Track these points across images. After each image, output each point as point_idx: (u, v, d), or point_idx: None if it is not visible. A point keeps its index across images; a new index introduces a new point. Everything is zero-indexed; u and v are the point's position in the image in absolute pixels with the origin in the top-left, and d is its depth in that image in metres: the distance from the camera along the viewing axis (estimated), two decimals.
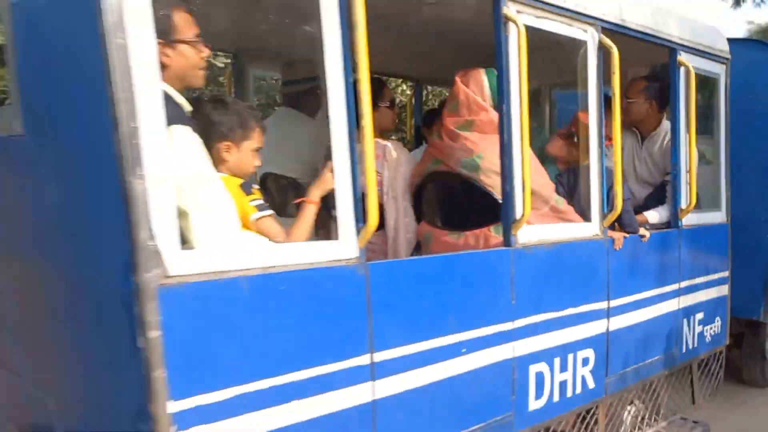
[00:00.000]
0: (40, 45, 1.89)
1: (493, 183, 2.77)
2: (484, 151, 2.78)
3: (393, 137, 4.15)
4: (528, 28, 2.60)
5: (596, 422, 3.27)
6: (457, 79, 2.87)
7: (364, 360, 2.16)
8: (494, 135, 2.74)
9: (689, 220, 3.71)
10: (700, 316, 3.93)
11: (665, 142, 3.80)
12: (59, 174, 1.88)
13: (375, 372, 2.19)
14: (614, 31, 3.11)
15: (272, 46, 3.34)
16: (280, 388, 1.94)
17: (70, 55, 1.73)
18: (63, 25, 1.73)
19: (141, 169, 1.62)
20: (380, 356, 2.20)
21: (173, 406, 1.70)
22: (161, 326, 1.66)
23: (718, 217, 4.07)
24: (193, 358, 1.74)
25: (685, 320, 3.79)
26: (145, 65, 1.62)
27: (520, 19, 2.56)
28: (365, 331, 2.15)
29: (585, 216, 3.06)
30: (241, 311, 1.85)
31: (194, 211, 1.77)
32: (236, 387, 1.84)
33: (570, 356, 2.99)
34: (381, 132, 3.06)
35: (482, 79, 2.83)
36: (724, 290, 4.17)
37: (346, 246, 2.09)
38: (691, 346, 3.88)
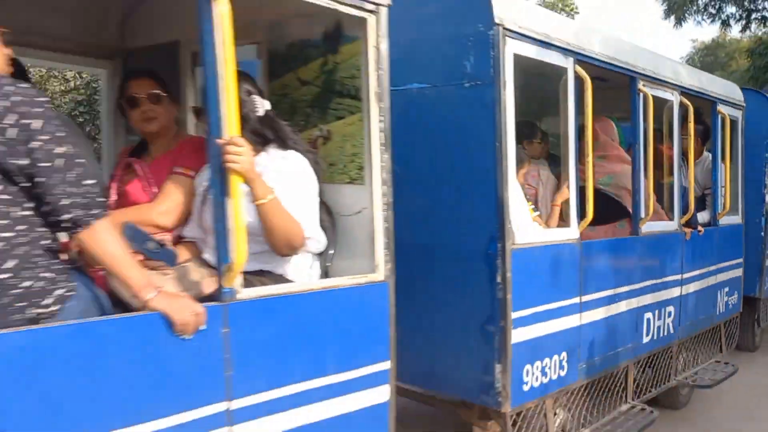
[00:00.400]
0: (418, 115, 3.29)
1: (620, 194, 4.28)
2: (614, 173, 4.28)
3: None
4: (643, 93, 4.12)
5: (671, 357, 4.79)
6: (596, 126, 4.37)
7: (576, 300, 3.62)
8: (619, 164, 4.26)
9: (723, 221, 5.30)
10: (726, 289, 5.53)
11: (705, 166, 5.38)
12: (431, 187, 3.28)
13: (582, 308, 3.65)
14: (688, 93, 4.66)
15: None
16: (547, 312, 3.38)
17: (461, 124, 3.14)
18: (458, 111, 3.12)
19: (507, 186, 3.06)
20: (585, 298, 3.66)
21: (514, 315, 3.13)
22: (512, 273, 3.10)
23: (736, 219, 5.69)
24: (520, 288, 3.17)
25: (718, 291, 5.37)
26: (509, 130, 3.06)
27: (648, 91, 4.08)
28: (578, 282, 3.62)
29: (670, 216, 4.60)
30: (534, 265, 3.29)
31: (517, 208, 3.20)
32: (533, 308, 3.28)
33: (663, 309, 4.50)
34: (533, 158, 4.52)
35: (613, 127, 4.34)
36: (739, 272, 5.80)
37: (573, 231, 3.55)
38: (721, 311, 5.47)
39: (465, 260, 3.22)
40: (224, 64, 1.93)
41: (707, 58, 36.41)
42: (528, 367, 3.28)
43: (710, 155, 5.31)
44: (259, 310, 2.10)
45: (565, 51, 3.43)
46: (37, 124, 1.69)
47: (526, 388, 3.27)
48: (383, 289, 2.49)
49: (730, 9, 19.33)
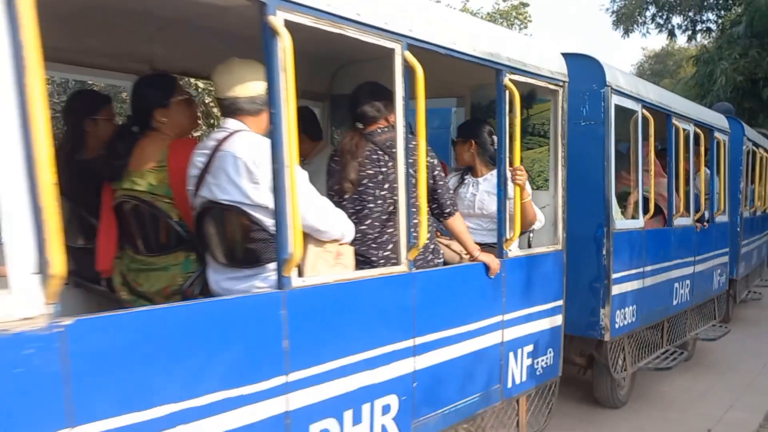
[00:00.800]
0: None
1: (656, 198, 5.93)
2: (655, 183, 5.93)
3: None
4: (675, 126, 5.79)
5: (686, 319, 6.48)
6: (646, 149, 6.01)
7: (641, 270, 5.24)
8: (659, 177, 5.92)
9: (718, 219, 7.05)
10: (719, 271, 7.29)
11: (706, 178, 7.12)
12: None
13: (644, 275, 5.27)
14: (701, 125, 6.37)
15: None
16: (627, 276, 4.98)
17: (579, 149, 4.70)
18: (577, 140, 4.69)
19: (611, 190, 4.65)
20: (646, 269, 5.28)
21: (613, 276, 4.73)
22: (613, 248, 4.69)
23: (725, 217, 7.47)
24: (615, 259, 4.76)
25: (714, 272, 7.12)
26: (611, 154, 4.65)
27: (679, 124, 5.76)
28: (642, 257, 5.24)
29: (686, 214, 6.29)
30: (622, 243, 4.89)
31: (614, 205, 4.80)
32: (621, 272, 4.87)
33: (684, 281, 6.19)
34: None
35: (652, 150, 6.00)
36: (727, 258, 7.59)
37: (640, 222, 5.17)
38: (715, 287, 7.22)
39: (581, 240, 4.78)
40: (511, 127, 3.45)
41: (657, 65, 37.29)
42: (618, 312, 4.88)
43: (708, 169, 7.06)
44: (515, 264, 3.63)
45: (636, 99, 5.06)
46: (435, 161, 3.18)
47: (617, 326, 4.87)
48: (561, 255, 4.04)
49: (677, 20, 20.63)
